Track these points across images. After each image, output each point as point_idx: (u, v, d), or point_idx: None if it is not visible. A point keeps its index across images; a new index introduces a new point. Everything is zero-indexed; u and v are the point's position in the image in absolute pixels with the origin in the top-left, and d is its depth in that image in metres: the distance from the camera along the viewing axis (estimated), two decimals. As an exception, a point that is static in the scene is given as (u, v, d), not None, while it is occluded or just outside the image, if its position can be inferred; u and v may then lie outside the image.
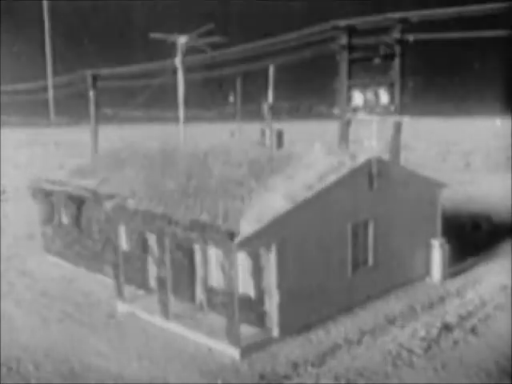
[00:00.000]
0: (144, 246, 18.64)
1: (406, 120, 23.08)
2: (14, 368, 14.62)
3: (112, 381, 13.92)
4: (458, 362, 14.56)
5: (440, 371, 14.19)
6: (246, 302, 15.70)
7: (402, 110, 24.54)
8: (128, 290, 18.33)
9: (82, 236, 21.44)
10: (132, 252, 18.84)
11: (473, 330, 16.14)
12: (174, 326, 16.38)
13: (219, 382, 13.80)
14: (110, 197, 18.75)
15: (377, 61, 24.32)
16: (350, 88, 25.26)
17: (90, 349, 15.48)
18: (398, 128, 24.41)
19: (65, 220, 22.35)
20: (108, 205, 18.20)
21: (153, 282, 18.27)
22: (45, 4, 46.73)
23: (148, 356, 15.01)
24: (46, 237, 23.51)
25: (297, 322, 15.83)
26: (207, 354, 15.01)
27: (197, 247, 17.07)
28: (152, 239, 17.87)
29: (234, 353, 14.85)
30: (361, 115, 20.38)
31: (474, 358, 14.67)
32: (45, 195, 22.83)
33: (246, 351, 14.89)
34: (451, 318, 16.87)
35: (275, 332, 15.66)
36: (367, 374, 14.02)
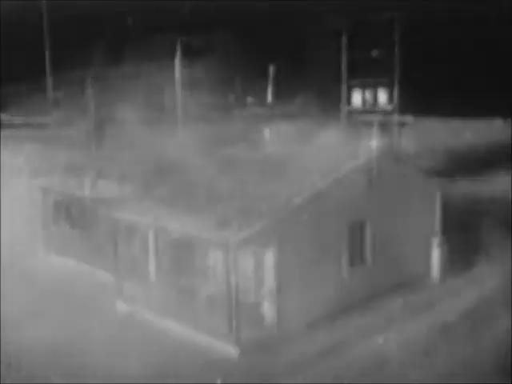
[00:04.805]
0: (144, 245, 18.65)
1: (406, 119, 23.16)
2: (14, 367, 14.59)
3: (111, 380, 13.88)
4: (458, 361, 14.53)
5: (440, 371, 14.17)
6: (245, 300, 15.70)
7: (402, 109, 24.56)
8: (129, 288, 18.31)
9: (84, 234, 21.45)
10: (132, 251, 18.84)
11: (473, 330, 16.12)
12: (173, 325, 16.33)
13: (219, 381, 13.77)
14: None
15: (376, 60, 24.37)
16: (350, 88, 25.30)
17: (90, 348, 15.35)
18: (398, 127, 24.47)
19: (67, 218, 22.37)
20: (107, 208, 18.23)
21: (152, 281, 18.27)
22: (44, 4, 46.68)
23: (147, 355, 14.91)
24: (47, 234, 23.47)
25: (296, 321, 15.79)
26: (207, 354, 14.97)
27: (197, 246, 17.08)
28: (152, 238, 17.89)
29: (233, 352, 14.81)
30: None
31: (474, 358, 14.64)
32: (47, 194, 22.85)
33: (246, 350, 14.84)
34: (451, 318, 16.85)
35: (275, 331, 15.64)
36: (367, 373, 14.01)
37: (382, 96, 36.94)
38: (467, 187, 32.47)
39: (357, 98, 40.20)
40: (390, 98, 37.17)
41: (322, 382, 13.62)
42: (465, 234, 22.41)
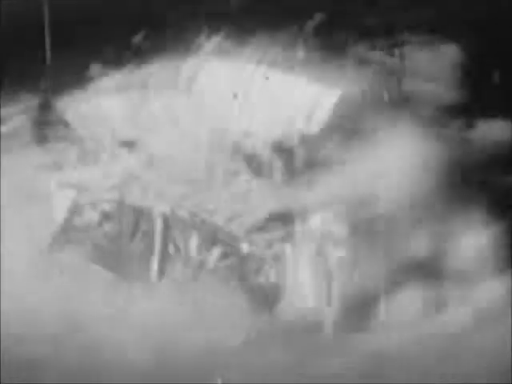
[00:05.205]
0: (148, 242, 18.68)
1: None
2: (18, 366, 14.62)
3: (117, 375, 13.91)
4: (458, 361, 14.62)
5: (440, 370, 14.26)
6: (256, 291, 15.74)
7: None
8: (129, 286, 18.30)
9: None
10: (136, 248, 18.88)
11: (473, 329, 16.09)
12: (174, 321, 16.33)
13: (219, 381, 13.74)
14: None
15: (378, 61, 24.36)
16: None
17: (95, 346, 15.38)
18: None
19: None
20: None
21: (154, 277, 18.30)
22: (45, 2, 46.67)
23: (146, 351, 14.90)
24: (55, 235, 23.50)
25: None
26: (207, 350, 14.94)
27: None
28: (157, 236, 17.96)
29: (235, 349, 14.83)
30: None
31: (474, 358, 14.69)
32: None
33: (248, 347, 14.86)
34: (450, 317, 16.83)
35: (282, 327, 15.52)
36: (366, 372, 14.08)
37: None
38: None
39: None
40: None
41: (323, 382, 13.69)
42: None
